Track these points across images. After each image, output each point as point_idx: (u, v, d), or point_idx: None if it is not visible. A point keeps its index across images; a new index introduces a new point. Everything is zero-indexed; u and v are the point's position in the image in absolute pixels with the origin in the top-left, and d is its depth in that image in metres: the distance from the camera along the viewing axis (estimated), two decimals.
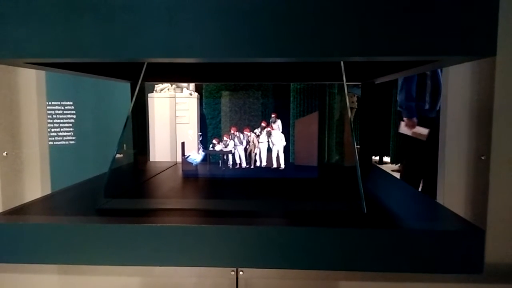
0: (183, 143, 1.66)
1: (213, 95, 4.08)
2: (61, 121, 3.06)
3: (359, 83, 1.85)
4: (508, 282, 0.97)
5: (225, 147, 1.63)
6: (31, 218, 1.00)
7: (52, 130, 2.99)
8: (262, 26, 0.85)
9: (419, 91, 2.94)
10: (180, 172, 1.67)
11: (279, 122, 1.65)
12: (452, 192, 1.18)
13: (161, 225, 0.91)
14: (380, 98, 5.38)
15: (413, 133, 2.89)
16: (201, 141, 1.67)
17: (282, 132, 1.64)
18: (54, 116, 3.02)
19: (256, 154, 1.64)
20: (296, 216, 0.99)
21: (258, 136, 1.64)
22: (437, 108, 2.89)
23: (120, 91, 2.95)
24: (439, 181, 1.28)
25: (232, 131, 1.64)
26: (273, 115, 1.64)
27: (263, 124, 1.63)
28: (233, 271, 0.99)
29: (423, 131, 2.84)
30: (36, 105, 1.30)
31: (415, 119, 2.95)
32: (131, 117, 1.25)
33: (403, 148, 4.03)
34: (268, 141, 1.63)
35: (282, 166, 1.62)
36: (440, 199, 1.25)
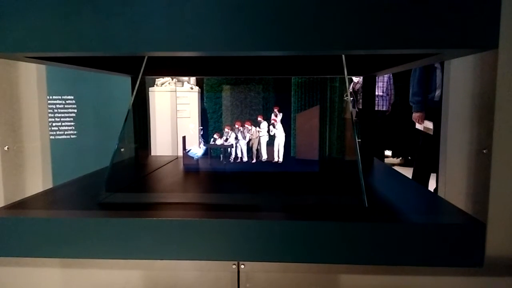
0: (184, 137, 1.65)
1: (214, 89, 4.06)
2: (62, 115, 3.06)
3: (361, 76, 1.85)
4: (509, 276, 0.97)
5: (226, 140, 1.63)
6: (33, 212, 1.00)
7: (53, 124, 3.00)
8: (263, 19, 0.84)
9: (426, 82, 2.91)
10: (181, 166, 1.67)
11: (280, 116, 1.64)
12: (453, 186, 1.18)
13: (163, 219, 0.91)
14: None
15: (424, 128, 2.90)
16: (202, 135, 1.66)
17: (283, 125, 1.64)
18: (55, 110, 3.02)
19: (257, 148, 1.64)
20: (298, 210, 0.99)
21: (259, 131, 1.63)
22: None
23: (120, 85, 2.94)
24: (441, 175, 1.28)
25: (236, 126, 1.63)
26: (275, 109, 1.64)
27: (259, 119, 1.62)
28: (234, 264, 1.00)
29: (429, 125, 2.85)
30: (37, 99, 1.30)
31: (420, 114, 2.94)
32: (132, 111, 1.24)
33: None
34: (269, 135, 1.63)
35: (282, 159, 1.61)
36: (441, 193, 1.25)
